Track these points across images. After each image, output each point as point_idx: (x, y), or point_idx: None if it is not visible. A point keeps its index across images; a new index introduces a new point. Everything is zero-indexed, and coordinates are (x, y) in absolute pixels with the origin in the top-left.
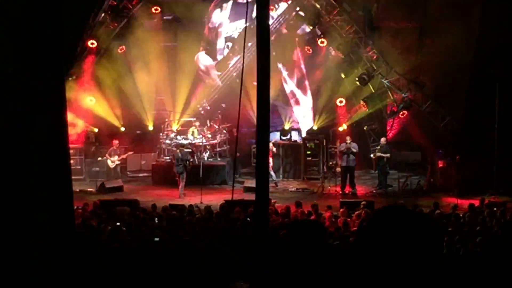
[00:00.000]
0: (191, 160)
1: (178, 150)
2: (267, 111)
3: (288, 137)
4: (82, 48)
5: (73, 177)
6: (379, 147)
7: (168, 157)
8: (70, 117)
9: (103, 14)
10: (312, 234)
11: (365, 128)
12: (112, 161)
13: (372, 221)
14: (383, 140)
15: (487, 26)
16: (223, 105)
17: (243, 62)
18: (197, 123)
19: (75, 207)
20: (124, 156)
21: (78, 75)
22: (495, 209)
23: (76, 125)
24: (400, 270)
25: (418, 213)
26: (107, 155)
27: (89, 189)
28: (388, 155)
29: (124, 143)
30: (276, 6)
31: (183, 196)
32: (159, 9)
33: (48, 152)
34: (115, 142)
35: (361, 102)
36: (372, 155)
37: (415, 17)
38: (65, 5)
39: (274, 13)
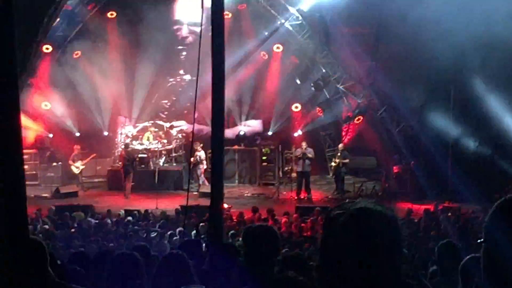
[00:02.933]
0: (138, 160)
1: (124, 151)
2: (222, 110)
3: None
4: (37, 53)
5: (27, 182)
6: (339, 153)
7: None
8: (24, 122)
9: (58, 19)
10: (266, 238)
11: (320, 134)
12: (77, 167)
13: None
14: (341, 146)
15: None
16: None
17: (198, 66)
18: (153, 128)
19: (30, 212)
20: (88, 160)
21: (33, 79)
22: (449, 214)
23: (31, 130)
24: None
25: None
26: (70, 161)
27: (43, 194)
28: (346, 160)
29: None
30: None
31: (129, 197)
32: (115, 14)
33: (1, 156)
34: (77, 147)
35: (317, 107)
36: (333, 163)
37: (370, 22)
38: (19, 9)
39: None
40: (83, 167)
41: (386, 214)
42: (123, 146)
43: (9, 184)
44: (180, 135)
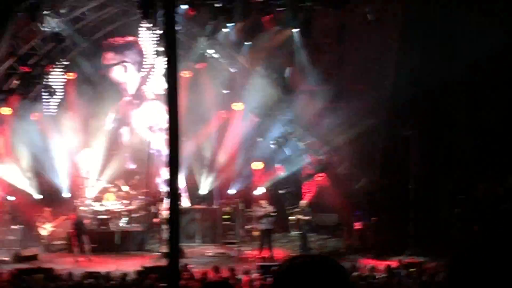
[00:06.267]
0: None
1: (74, 214)
2: (176, 162)
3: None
4: None
5: None
6: (301, 210)
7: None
8: None
9: (16, 81)
10: None
11: (281, 191)
12: (44, 228)
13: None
14: (303, 202)
15: (400, 88)
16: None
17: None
18: (114, 189)
19: None
20: (58, 222)
21: None
22: (412, 269)
23: None
24: None
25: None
26: (37, 223)
27: (3, 258)
28: (308, 217)
29: (40, 210)
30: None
31: (90, 259)
32: (74, 74)
33: None
34: (47, 209)
35: (277, 165)
36: (291, 217)
37: (329, 80)
38: None
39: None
40: (53, 229)
41: (335, 267)
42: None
43: None
44: (141, 196)
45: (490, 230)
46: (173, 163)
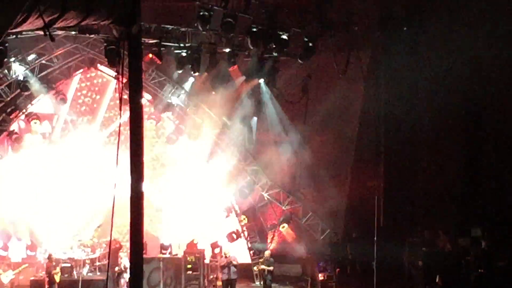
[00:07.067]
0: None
1: (48, 261)
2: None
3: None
4: None
5: None
6: (262, 259)
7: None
8: None
9: None
10: None
11: (246, 241)
12: (7, 276)
13: None
14: (267, 253)
15: (365, 136)
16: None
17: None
18: (77, 237)
19: None
20: (20, 270)
21: None
22: None
23: None
24: None
25: None
26: (0, 269)
27: None
28: (272, 268)
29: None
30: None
31: None
32: (38, 122)
33: None
34: (8, 256)
35: (242, 215)
36: (255, 268)
37: (294, 130)
38: None
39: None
40: (13, 276)
41: None
42: (46, 256)
43: None
44: (104, 244)
45: (453, 282)
46: (137, 216)
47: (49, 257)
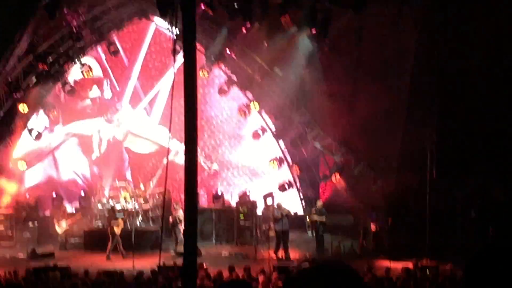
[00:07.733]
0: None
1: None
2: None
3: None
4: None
5: (3, 243)
6: (317, 211)
7: (100, 223)
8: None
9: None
10: None
11: (298, 191)
12: (61, 227)
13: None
14: (319, 203)
15: (418, 88)
16: None
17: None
18: (130, 187)
19: (6, 274)
20: (74, 220)
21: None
22: (428, 272)
23: (6, 190)
24: None
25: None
26: (55, 220)
27: (19, 255)
28: (324, 218)
29: (56, 208)
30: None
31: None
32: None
33: None
34: (63, 207)
35: (294, 165)
36: (307, 218)
37: (346, 81)
38: None
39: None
40: (68, 227)
41: (347, 273)
42: (109, 207)
43: None
44: (157, 195)
45: (506, 233)
46: (191, 165)
47: (112, 209)
